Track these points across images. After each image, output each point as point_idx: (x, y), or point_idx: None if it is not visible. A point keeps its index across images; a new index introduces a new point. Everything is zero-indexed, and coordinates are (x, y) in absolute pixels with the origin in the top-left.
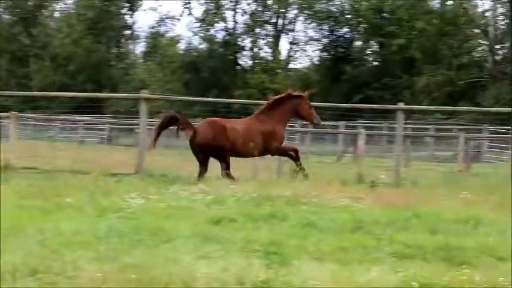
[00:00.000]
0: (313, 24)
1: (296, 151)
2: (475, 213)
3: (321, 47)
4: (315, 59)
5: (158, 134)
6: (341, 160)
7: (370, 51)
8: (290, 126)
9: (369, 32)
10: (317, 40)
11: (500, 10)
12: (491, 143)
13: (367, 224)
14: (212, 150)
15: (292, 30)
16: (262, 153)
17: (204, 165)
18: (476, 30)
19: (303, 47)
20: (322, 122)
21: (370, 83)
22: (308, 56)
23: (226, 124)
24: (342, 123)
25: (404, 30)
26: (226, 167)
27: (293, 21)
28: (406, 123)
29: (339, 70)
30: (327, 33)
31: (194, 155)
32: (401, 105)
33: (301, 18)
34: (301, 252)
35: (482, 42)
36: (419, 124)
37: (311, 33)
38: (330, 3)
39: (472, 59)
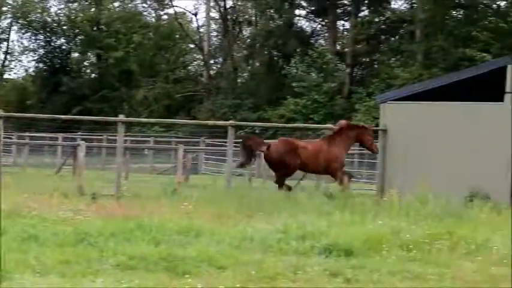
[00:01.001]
0: (28, 34)
1: (349, 178)
2: (195, 224)
3: (37, 58)
4: (31, 70)
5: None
6: (60, 172)
7: (88, 63)
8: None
9: (86, 44)
10: (33, 50)
11: (214, 26)
12: (207, 155)
13: (90, 236)
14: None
15: (7, 40)
16: (324, 172)
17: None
18: (192, 45)
19: (18, 57)
20: (43, 134)
21: (89, 95)
22: (24, 66)
23: (299, 143)
24: (60, 135)
25: (121, 43)
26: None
27: (7, 31)
28: (126, 136)
29: (56, 81)
30: (43, 43)
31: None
32: (121, 117)
33: (15, 27)
34: (23, 267)
35: (198, 57)
36: (139, 136)
37: (26, 43)
38: (45, 13)
39: (188, 73)
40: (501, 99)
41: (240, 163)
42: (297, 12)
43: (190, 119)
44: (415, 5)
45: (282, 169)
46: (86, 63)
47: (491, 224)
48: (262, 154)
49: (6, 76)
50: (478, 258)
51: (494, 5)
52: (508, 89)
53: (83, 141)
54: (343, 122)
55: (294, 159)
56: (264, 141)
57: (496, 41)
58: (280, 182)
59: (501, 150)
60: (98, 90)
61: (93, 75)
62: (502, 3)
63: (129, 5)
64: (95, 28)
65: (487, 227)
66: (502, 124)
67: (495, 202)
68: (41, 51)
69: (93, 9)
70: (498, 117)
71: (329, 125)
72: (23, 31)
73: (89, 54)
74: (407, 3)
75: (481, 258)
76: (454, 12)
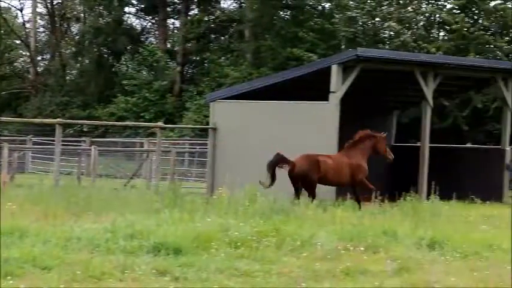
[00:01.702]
0: None
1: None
2: (20, 224)
3: None
4: None
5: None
6: None
7: None
8: None
9: None
10: None
11: (41, 22)
12: (35, 153)
13: None
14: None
15: None
16: (349, 183)
17: (297, 192)
18: (18, 41)
19: None
20: None
21: None
22: None
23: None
24: None
25: None
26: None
27: None
28: None
29: None
30: None
31: (292, 183)
32: None
33: None
34: None
35: (24, 53)
36: None
37: None
38: None
39: (14, 69)
40: (326, 99)
41: (269, 185)
42: (126, 9)
43: (17, 117)
44: (243, 4)
45: (307, 184)
46: None
47: (316, 220)
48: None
49: None
50: (303, 255)
51: (320, 7)
52: (332, 88)
53: None
54: (361, 132)
55: (316, 173)
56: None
57: (322, 41)
58: (312, 195)
59: (326, 149)
60: None
61: None
62: (327, 5)
63: None
64: None
65: (313, 223)
66: (326, 123)
67: (321, 199)
68: None
69: None
70: (323, 116)
71: (159, 124)
72: None
73: None
74: (236, 2)
75: (305, 255)
76: (282, 12)
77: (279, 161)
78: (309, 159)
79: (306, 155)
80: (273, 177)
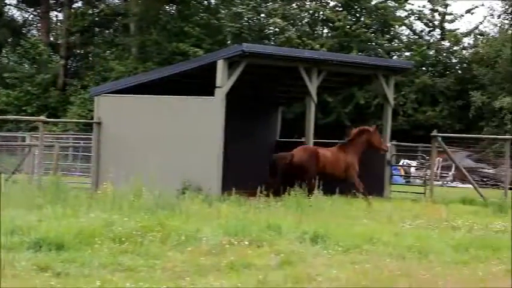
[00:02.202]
0: None
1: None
2: None
3: None
4: None
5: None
6: None
7: None
8: None
9: None
10: None
11: None
12: None
13: None
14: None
15: None
16: (344, 178)
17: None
18: None
19: None
20: None
21: None
22: None
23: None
24: None
25: None
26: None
27: None
28: None
29: None
30: None
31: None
32: None
33: None
34: None
35: None
36: None
37: None
38: None
39: None
40: (212, 93)
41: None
42: (7, 1)
43: None
44: None
45: (306, 175)
46: None
47: (202, 215)
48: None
49: None
50: (188, 249)
51: (206, 2)
52: (218, 83)
53: None
54: (356, 129)
55: (315, 164)
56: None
57: (208, 36)
58: (310, 186)
59: (212, 143)
60: None
61: None
62: (213, 0)
63: None
64: None
65: (198, 218)
66: (212, 118)
67: (206, 194)
68: None
69: None
70: (209, 110)
71: (42, 117)
72: None
73: None
74: None
75: (190, 249)
76: (168, 7)
77: (278, 160)
78: (308, 150)
79: (305, 147)
80: (278, 179)
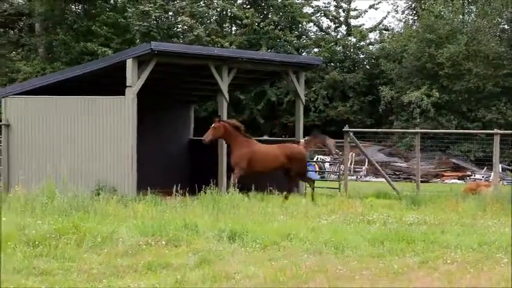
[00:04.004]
0: None
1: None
2: None
3: None
4: None
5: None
6: None
7: None
8: None
9: None
10: None
11: None
12: None
13: None
14: None
15: None
16: None
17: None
18: None
19: None
20: None
21: None
22: None
23: None
24: None
25: None
26: None
27: None
28: None
29: None
30: None
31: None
32: None
33: None
34: None
35: None
36: None
37: None
38: None
39: None
40: (123, 93)
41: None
42: None
43: None
44: None
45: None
46: None
47: (117, 216)
48: None
49: None
50: (104, 251)
51: (112, 1)
52: (128, 82)
53: None
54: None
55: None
56: None
57: (116, 35)
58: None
59: (125, 143)
60: None
61: None
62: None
63: None
64: None
65: (114, 219)
66: (124, 117)
67: (122, 195)
68: None
69: None
70: (120, 110)
71: None
72: None
73: None
74: None
75: (106, 251)
76: (73, 6)
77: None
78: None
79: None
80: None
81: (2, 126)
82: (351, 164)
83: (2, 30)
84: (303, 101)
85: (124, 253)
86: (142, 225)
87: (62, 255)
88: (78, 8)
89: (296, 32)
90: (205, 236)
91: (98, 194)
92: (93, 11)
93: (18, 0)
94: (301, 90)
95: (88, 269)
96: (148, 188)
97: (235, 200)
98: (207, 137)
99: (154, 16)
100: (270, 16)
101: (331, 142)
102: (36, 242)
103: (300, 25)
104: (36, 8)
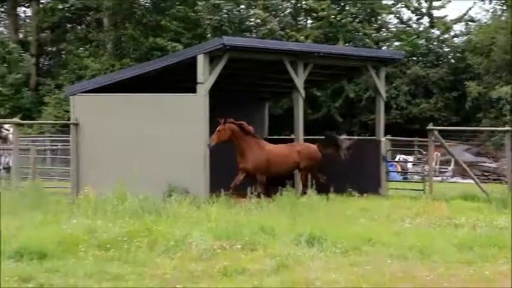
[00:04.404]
0: None
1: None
2: None
3: None
4: None
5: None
6: None
7: None
8: None
9: None
10: None
11: None
12: None
13: None
14: None
15: None
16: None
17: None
18: None
19: None
20: None
21: None
22: None
23: None
24: None
25: None
26: None
27: None
28: None
29: None
30: None
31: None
32: None
33: None
34: None
35: None
36: None
37: None
38: None
39: None
40: (194, 90)
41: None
42: None
43: None
44: None
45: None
46: None
47: (190, 219)
48: None
49: None
50: (177, 255)
51: None
52: (199, 79)
53: None
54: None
55: None
56: None
57: (186, 30)
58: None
59: (197, 143)
60: None
61: None
62: None
63: None
64: None
65: (187, 222)
66: (196, 116)
67: (194, 196)
68: None
69: None
70: (192, 107)
71: (16, 120)
72: None
73: None
74: None
75: (180, 255)
76: (142, 0)
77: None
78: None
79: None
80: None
81: (71, 125)
82: (435, 164)
83: (69, 25)
84: (384, 97)
85: (198, 257)
86: (216, 228)
87: (134, 259)
88: (147, 2)
89: (375, 25)
90: (283, 240)
91: (170, 196)
92: (163, 5)
93: None
94: (381, 86)
95: (161, 274)
96: (222, 189)
97: (313, 202)
98: (212, 141)
99: (226, 9)
100: (347, 8)
101: (344, 144)
102: (108, 246)
103: (380, 17)
104: (104, 2)
